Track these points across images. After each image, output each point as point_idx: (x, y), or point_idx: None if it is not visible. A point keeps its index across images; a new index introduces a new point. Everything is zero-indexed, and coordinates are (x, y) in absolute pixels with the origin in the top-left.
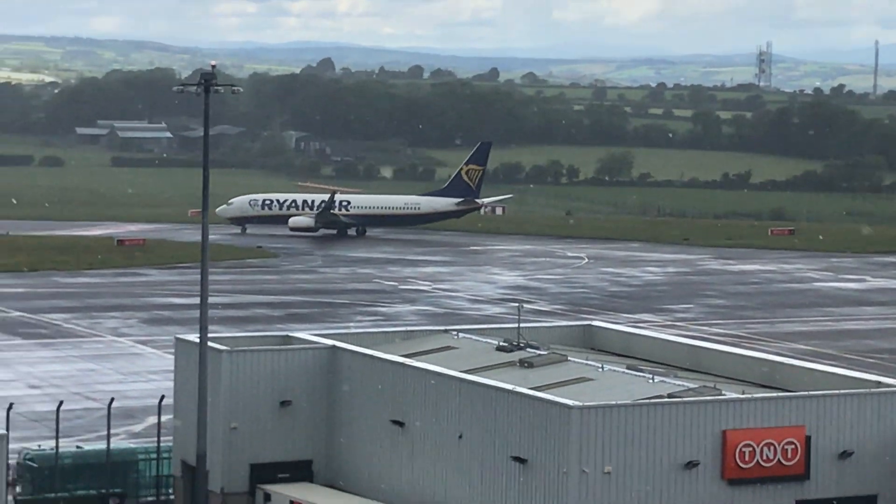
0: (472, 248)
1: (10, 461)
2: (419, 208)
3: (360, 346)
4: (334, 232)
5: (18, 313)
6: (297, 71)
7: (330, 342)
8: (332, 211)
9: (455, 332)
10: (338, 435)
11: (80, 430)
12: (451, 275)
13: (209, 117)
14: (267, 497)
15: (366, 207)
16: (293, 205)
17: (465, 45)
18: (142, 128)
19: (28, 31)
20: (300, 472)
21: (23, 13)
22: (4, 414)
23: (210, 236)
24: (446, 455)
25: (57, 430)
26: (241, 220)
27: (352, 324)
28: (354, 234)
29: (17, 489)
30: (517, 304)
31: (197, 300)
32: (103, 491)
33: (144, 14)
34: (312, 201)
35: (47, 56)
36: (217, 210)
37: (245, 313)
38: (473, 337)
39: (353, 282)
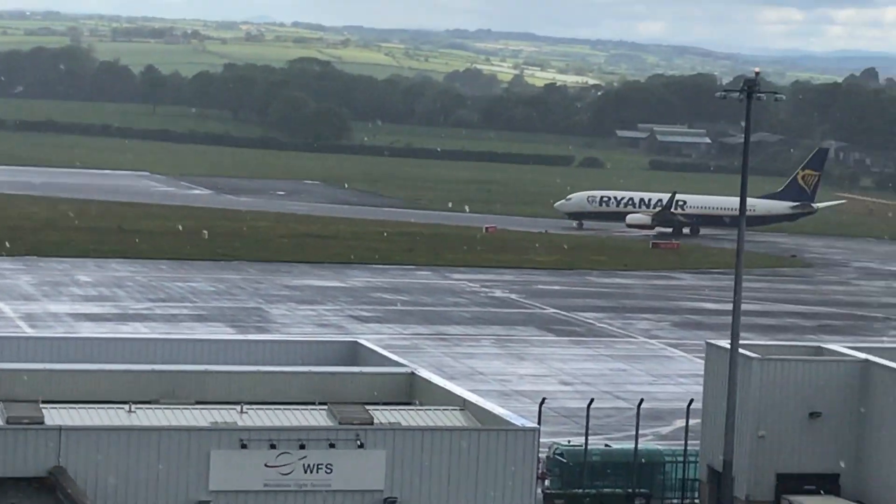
0: None
1: (540, 455)
2: (755, 210)
3: (895, 361)
4: (670, 230)
5: (553, 310)
6: (840, 80)
7: (863, 356)
8: (671, 210)
9: None
10: (868, 451)
11: (609, 429)
12: None
13: (751, 124)
14: None
15: (701, 207)
16: (630, 203)
17: None
18: (681, 132)
19: (575, 35)
20: (826, 485)
21: (571, 18)
22: (537, 408)
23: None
24: None
25: (587, 428)
26: (578, 216)
27: (885, 338)
28: (689, 233)
29: (546, 483)
30: None
31: (729, 306)
32: (629, 490)
33: (689, 19)
34: (649, 200)
35: (592, 59)
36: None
37: (776, 322)
38: None
39: (889, 295)
